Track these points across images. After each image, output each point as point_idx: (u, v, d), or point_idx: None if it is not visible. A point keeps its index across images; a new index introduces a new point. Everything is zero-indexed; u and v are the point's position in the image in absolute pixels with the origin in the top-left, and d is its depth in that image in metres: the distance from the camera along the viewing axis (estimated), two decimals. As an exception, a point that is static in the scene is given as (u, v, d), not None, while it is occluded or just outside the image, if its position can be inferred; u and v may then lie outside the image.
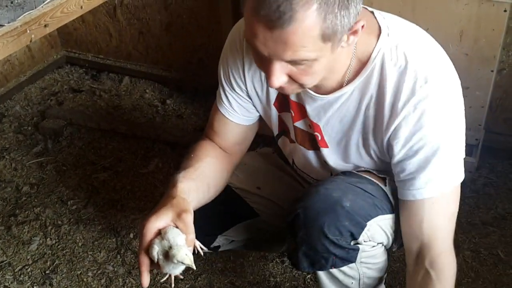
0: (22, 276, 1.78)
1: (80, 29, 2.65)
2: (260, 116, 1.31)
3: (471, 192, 1.89)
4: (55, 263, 1.81)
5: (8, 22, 1.35)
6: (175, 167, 2.16)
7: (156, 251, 0.97)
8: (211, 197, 1.23)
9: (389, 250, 1.26)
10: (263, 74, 1.19)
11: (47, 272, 1.78)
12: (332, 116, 1.14)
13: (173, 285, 1.05)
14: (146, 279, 1.01)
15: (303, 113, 1.19)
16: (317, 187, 1.15)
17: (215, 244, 1.44)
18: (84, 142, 2.33)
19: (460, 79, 1.10)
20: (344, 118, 1.13)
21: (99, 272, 1.78)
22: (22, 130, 2.41)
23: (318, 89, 1.11)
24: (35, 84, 2.67)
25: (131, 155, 2.26)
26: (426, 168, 1.06)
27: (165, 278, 1.03)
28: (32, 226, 1.96)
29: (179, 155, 2.22)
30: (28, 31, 1.35)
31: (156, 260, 0.98)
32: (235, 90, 1.25)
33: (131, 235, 1.90)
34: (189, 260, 0.96)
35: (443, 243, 1.12)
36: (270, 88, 1.21)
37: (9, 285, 1.75)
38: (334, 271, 1.20)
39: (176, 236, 0.97)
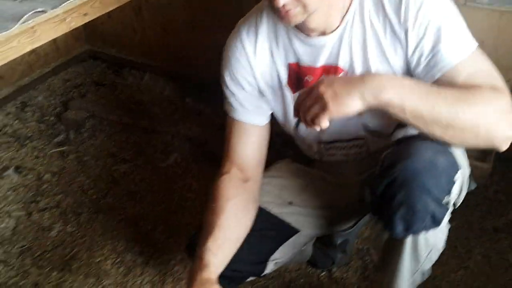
0: (41, 261, 1.82)
1: (105, 24, 2.69)
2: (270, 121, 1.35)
3: (483, 199, 1.92)
4: (75, 250, 1.86)
5: (52, 9, 1.39)
6: (193, 162, 2.22)
7: None
8: (240, 244, 1.28)
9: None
10: (268, 56, 1.25)
11: (66, 258, 1.83)
12: (348, 49, 1.18)
13: None
14: None
15: (320, 70, 1.22)
16: (407, 152, 1.12)
17: (266, 271, 1.44)
18: (105, 134, 2.38)
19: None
20: (357, 44, 1.17)
21: (117, 260, 1.82)
22: (45, 120, 2.47)
23: (324, 32, 1.18)
24: (59, 76, 2.73)
25: (151, 149, 2.30)
26: (441, 39, 1.09)
27: None
28: (52, 213, 2.01)
29: (197, 150, 2.27)
30: (68, 19, 1.39)
31: None
32: (245, 89, 1.30)
33: (149, 227, 1.94)
34: None
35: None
36: (279, 69, 1.26)
37: (28, 269, 1.79)
38: (420, 238, 1.20)
39: None
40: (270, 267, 1.45)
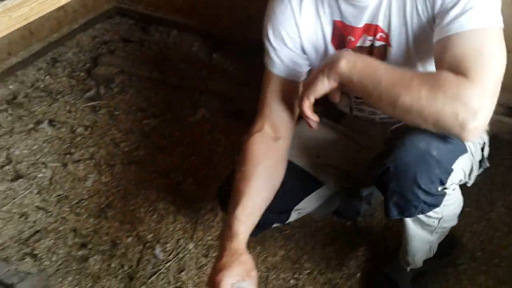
0: (78, 209, 1.91)
1: (132, -19, 2.73)
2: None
3: (509, 154, 1.94)
4: (110, 199, 1.94)
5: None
6: (221, 117, 2.27)
7: None
8: (268, 204, 1.32)
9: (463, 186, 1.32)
10: (314, 12, 1.26)
11: (102, 206, 1.91)
12: (387, 9, 1.19)
13: None
14: None
15: (361, 30, 1.24)
16: (402, 140, 1.17)
17: (290, 220, 1.50)
18: (134, 89, 2.43)
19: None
20: (395, 4, 1.18)
21: (151, 208, 1.90)
22: (75, 76, 2.53)
23: None
24: (87, 32, 2.77)
25: (179, 104, 2.36)
26: (457, 5, 1.07)
27: None
28: (87, 165, 2.09)
29: (225, 106, 2.32)
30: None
31: None
32: (287, 45, 1.30)
33: (180, 178, 2.01)
34: None
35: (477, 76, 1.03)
36: (324, 26, 1.27)
37: (66, 216, 1.88)
38: (420, 216, 1.28)
39: None
40: (293, 216, 1.51)
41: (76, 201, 1.94)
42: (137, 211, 1.89)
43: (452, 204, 1.31)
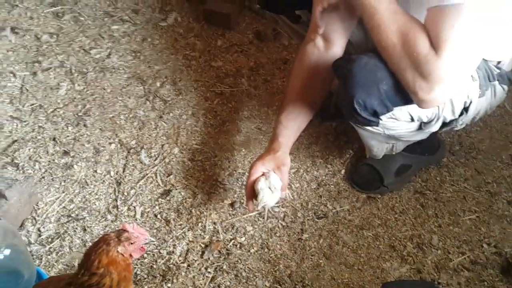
0: (55, 117, 1.85)
1: None
2: None
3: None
4: (86, 107, 1.89)
5: None
6: (194, 21, 2.21)
7: (261, 185, 1.39)
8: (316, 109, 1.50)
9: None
10: None
11: (79, 114, 1.86)
12: None
13: (265, 217, 1.59)
14: (251, 205, 1.43)
15: None
16: (370, 59, 1.24)
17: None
18: (99, -7, 2.32)
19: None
20: None
21: (131, 116, 1.86)
22: (32, -20, 2.37)
23: None
24: None
25: (148, 8, 2.27)
26: None
27: (260, 207, 1.42)
28: (57, 73, 2.00)
29: (197, 9, 2.25)
30: None
31: (258, 191, 1.39)
32: None
33: (158, 84, 1.97)
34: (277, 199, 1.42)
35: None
36: None
37: (43, 125, 1.82)
38: (367, 128, 1.39)
39: (276, 181, 1.40)
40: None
41: (51, 110, 1.87)
42: (117, 118, 1.85)
43: (396, 128, 1.38)
